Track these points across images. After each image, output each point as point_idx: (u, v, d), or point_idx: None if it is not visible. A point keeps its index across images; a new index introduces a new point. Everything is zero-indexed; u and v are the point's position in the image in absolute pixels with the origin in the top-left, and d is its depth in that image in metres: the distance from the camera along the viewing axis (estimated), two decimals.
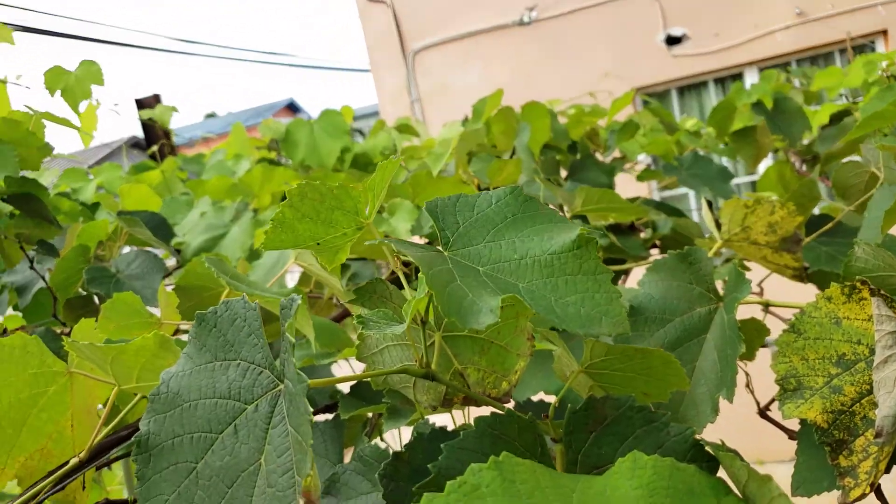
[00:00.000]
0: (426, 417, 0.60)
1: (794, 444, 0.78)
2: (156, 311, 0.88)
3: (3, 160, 1.12)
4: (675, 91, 5.37)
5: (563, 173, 1.68)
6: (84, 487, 0.70)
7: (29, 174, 1.22)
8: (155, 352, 0.53)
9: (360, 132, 3.01)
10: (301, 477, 0.36)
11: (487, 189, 1.32)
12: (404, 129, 1.90)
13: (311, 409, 0.33)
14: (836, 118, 1.97)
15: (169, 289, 0.94)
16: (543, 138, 1.39)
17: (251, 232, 1.34)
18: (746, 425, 1.04)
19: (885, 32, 4.72)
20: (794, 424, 0.87)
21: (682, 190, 4.84)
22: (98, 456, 0.70)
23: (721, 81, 5.27)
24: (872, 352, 0.65)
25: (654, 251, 1.44)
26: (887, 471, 0.62)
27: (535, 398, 0.80)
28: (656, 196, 4.66)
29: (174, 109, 2.09)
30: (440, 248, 0.47)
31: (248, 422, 0.41)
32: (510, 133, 1.28)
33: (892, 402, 0.61)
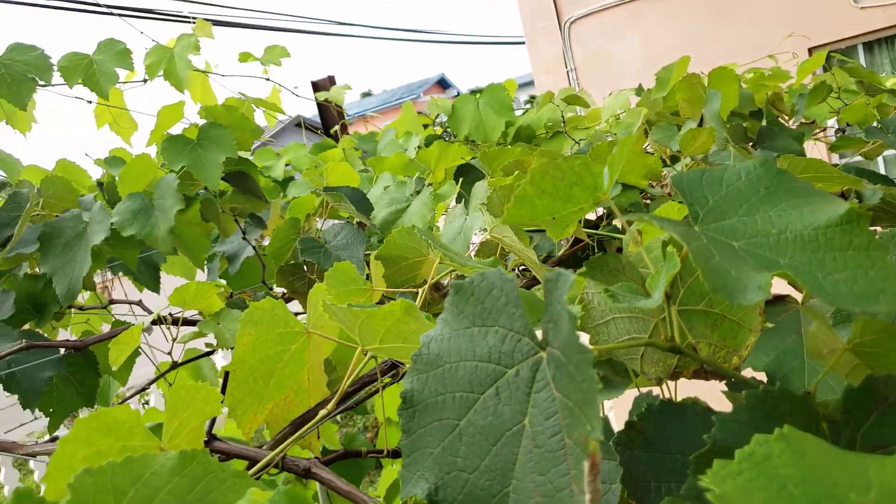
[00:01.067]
0: (650, 390, 0.61)
1: None
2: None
3: (224, 143, 1.25)
4: (861, 47, 4.82)
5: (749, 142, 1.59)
6: (318, 436, 0.78)
7: (242, 154, 1.36)
8: (400, 317, 0.57)
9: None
10: (573, 440, 0.38)
11: (675, 158, 1.29)
12: (572, 99, 1.88)
13: (597, 378, 0.35)
14: None
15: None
16: (731, 105, 1.32)
17: (431, 205, 1.39)
18: None
19: None
20: None
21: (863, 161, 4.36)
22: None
23: None
24: None
25: None
26: None
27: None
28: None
29: (348, 87, 2.21)
30: (690, 223, 0.46)
31: (510, 385, 0.44)
32: (696, 101, 1.23)
33: None
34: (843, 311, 0.57)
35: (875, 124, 1.60)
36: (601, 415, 0.35)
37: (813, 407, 0.39)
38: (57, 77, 1.64)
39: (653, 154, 1.22)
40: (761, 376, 0.82)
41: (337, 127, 2.14)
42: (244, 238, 1.35)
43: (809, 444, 0.34)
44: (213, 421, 0.68)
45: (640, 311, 0.55)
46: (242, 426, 0.73)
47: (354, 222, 1.33)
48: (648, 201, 1.21)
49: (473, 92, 2.00)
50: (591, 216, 1.54)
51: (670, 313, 0.47)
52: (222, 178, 1.33)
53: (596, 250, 1.15)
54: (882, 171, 4.39)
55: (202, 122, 1.31)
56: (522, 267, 1.19)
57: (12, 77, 1.53)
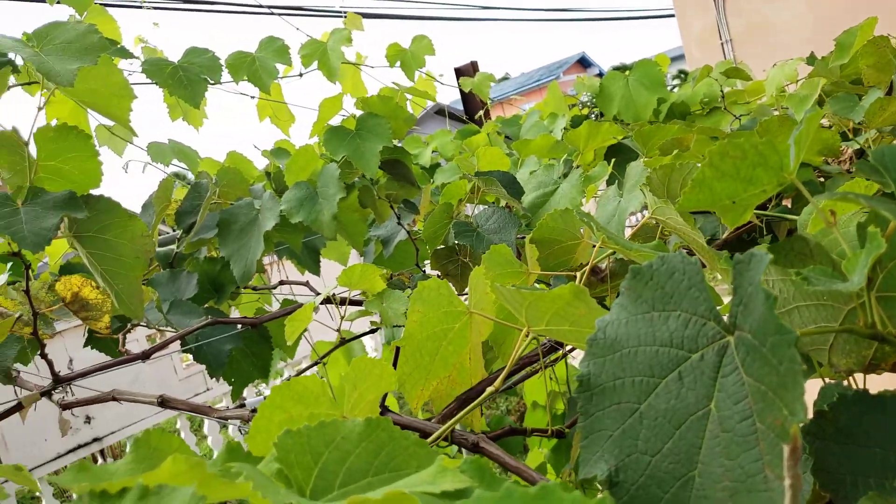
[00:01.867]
0: (836, 382, 0.57)
1: None
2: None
3: (380, 132, 1.32)
4: None
5: None
6: (482, 413, 0.81)
7: (395, 143, 1.42)
8: (569, 300, 0.58)
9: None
10: (766, 425, 0.38)
11: (857, 131, 1.18)
12: (732, 73, 1.77)
13: (800, 359, 0.34)
14: None
15: None
16: None
17: (581, 187, 1.38)
18: None
19: None
20: None
21: None
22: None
23: None
24: None
25: None
26: None
27: None
28: None
29: (492, 79, 2.23)
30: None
31: (694, 369, 0.43)
32: (883, 66, 1.11)
33: None
34: None
35: None
36: (803, 400, 0.34)
37: None
38: (223, 76, 1.79)
39: (829, 128, 1.13)
40: None
41: (481, 112, 2.17)
42: (398, 223, 1.41)
43: None
44: (386, 395, 0.73)
45: (830, 298, 0.52)
46: (411, 399, 0.78)
47: (503, 206, 1.35)
48: (822, 179, 1.12)
49: (621, 69, 1.94)
50: None
51: (870, 299, 0.44)
52: (378, 167, 1.40)
53: (764, 232, 1.08)
54: None
55: (359, 113, 1.38)
56: (685, 250, 1.15)
57: (188, 78, 1.70)
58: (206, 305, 1.46)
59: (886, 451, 0.46)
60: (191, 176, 1.98)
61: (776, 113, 1.40)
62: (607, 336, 0.48)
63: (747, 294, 0.40)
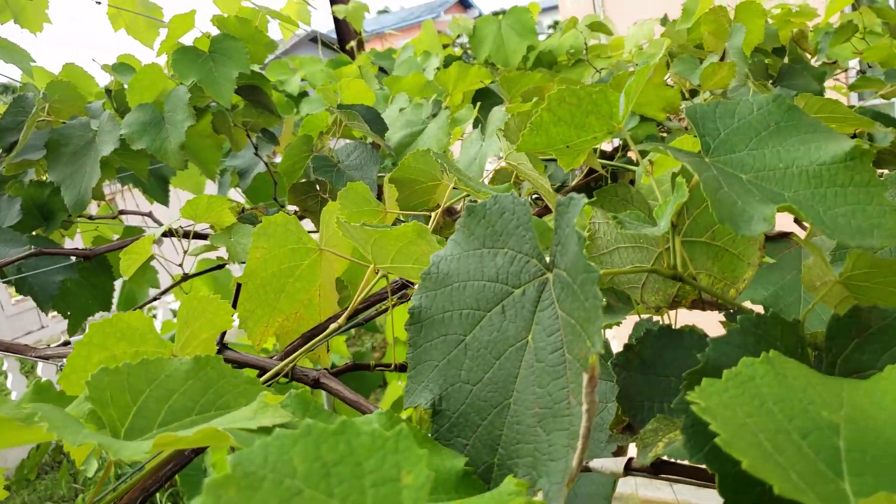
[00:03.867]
0: (650, 317, 0.63)
1: None
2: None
3: (236, 56, 1.24)
4: None
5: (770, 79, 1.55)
6: (328, 350, 0.81)
7: (255, 68, 1.35)
8: (412, 238, 0.59)
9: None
10: (574, 356, 0.41)
11: (694, 92, 1.27)
12: (595, 27, 1.83)
13: (601, 295, 0.37)
14: None
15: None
16: (756, 40, 1.29)
17: (448, 129, 1.39)
18: None
19: None
20: None
21: (878, 102, 4.25)
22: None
23: None
24: None
25: None
26: None
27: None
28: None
29: (366, 8, 2.16)
30: (700, 154, 0.47)
31: (516, 303, 0.46)
32: (720, 34, 1.20)
33: None
34: (844, 248, 0.59)
35: None
36: (602, 332, 0.37)
37: (800, 334, 0.41)
38: None
39: (673, 87, 1.20)
40: (760, 311, 0.84)
41: (353, 43, 2.10)
42: (256, 153, 1.35)
43: (791, 367, 0.36)
44: (224, 332, 0.71)
45: (645, 241, 0.56)
46: (253, 337, 0.76)
47: (368, 142, 1.33)
48: (665, 134, 1.20)
49: (497, 13, 1.95)
50: (607, 147, 1.53)
51: (674, 243, 0.49)
52: (234, 92, 1.32)
53: (609, 181, 1.15)
54: None
55: (215, 32, 1.29)
56: (536, 195, 1.20)
57: None
58: (33, 233, 1.33)
59: (679, 379, 0.51)
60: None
61: (632, 69, 1.48)
62: (440, 271, 0.50)
63: (565, 235, 0.42)
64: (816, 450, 0.33)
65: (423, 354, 0.49)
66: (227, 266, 1.11)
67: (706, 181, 0.42)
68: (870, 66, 1.87)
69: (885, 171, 1.23)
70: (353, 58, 2.11)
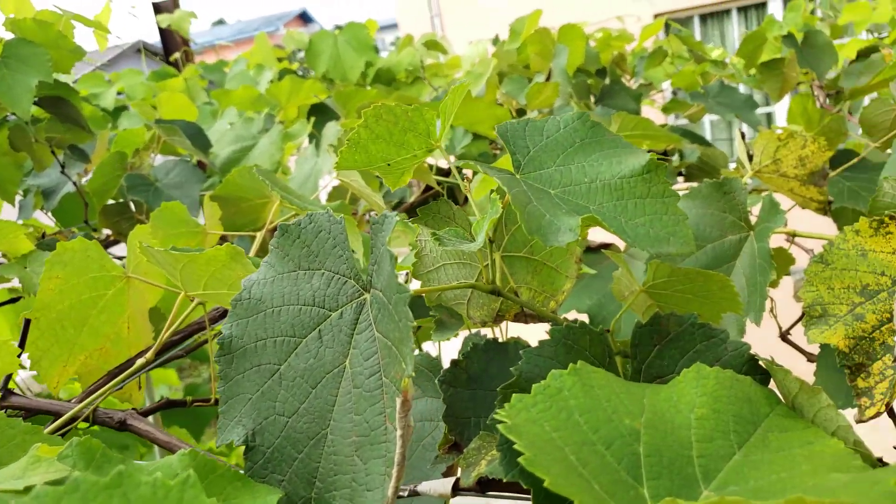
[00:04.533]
0: (478, 330, 0.63)
1: (810, 369, 0.82)
2: (199, 220, 0.90)
3: (36, 64, 1.11)
4: (697, 18, 5.20)
5: (592, 98, 1.67)
6: (140, 387, 0.74)
7: (61, 78, 1.21)
8: (225, 262, 0.55)
9: (375, 48, 2.94)
10: (391, 379, 0.39)
11: (522, 111, 1.32)
12: (431, 45, 1.87)
13: (412, 317, 0.35)
14: (864, 54, 1.93)
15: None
16: (578, 61, 1.37)
17: (280, 145, 1.34)
18: (767, 349, 1.08)
19: None
20: (812, 348, 0.91)
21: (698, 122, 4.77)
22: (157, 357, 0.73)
23: (744, 10, 5.09)
24: (894, 282, 0.68)
25: (680, 179, 1.45)
26: None
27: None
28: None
29: (193, 16, 2.04)
30: (512, 171, 0.48)
31: (333, 327, 0.43)
32: (545, 55, 1.26)
33: None
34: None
35: (700, 90, 1.75)
36: (415, 352, 0.36)
37: (608, 342, 0.42)
38: None
39: (503, 106, 1.25)
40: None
41: (178, 54, 1.98)
42: (63, 172, 1.22)
43: (598, 377, 0.37)
44: (10, 376, 0.62)
45: (469, 257, 0.56)
46: (49, 379, 0.67)
47: (194, 160, 1.25)
48: (497, 152, 1.24)
49: (339, 28, 1.92)
50: (445, 164, 1.55)
51: (491, 258, 0.49)
52: (36, 104, 1.18)
53: (447, 197, 1.16)
54: (708, 134, 4.82)
55: (9, 36, 1.15)
56: (374, 212, 1.18)
57: None
58: None
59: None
60: None
61: None
62: (252, 296, 0.46)
63: (380, 254, 0.41)
64: (618, 458, 0.33)
65: (235, 387, 0.45)
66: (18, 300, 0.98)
67: (515, 196, 0.42)
68: (680, 89, 2.06)
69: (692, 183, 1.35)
70: (179, 70, 1.99)
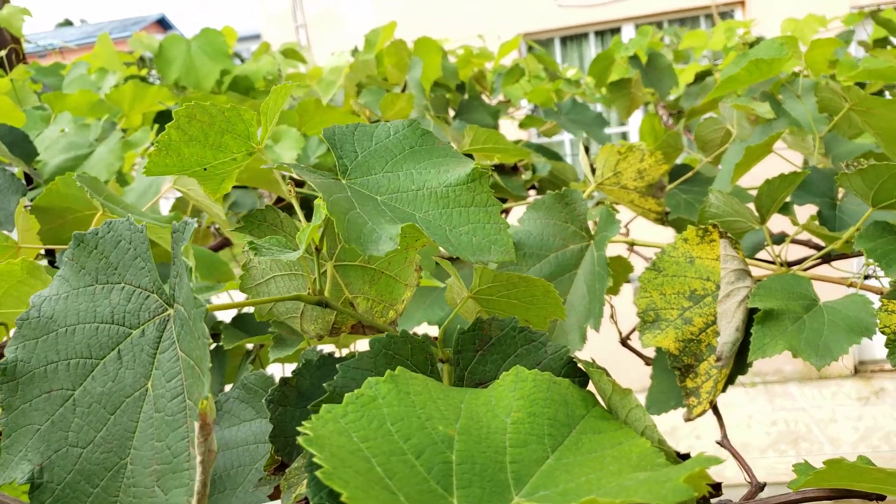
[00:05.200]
0: (314, 345, 0.61)
1: (648, 373, 0.87)
2: (13, 235, 0.80)
3: None
4: (558, 40, 5.49)
5: (452, 112, 1.69)
6: None
7: None
8: (21, 278, 0.49)
9: (240, 57, 2.84)
10: (194, 401, 0.36)
11: (378, 121, 1.31)
12: (290, 54, 1.82)
13: (209, 334, 0.33)
14: (700, 77, 2.12)
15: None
16: (434, 75, 1.39)
17: (120, 153, 1.24)
18: (609, 354, 1.13)
19: (742, 3, 5.07)
20: (650, 353, 0.96)
21: (557, 139, 5.02)
22: None
23: (601, 34, 5.45)
24: (718, 287, 0.74)
25: (532, 192, 1.50)
26: (723, 390, 0.71)
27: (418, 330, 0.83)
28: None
29: (26, 12, 1.86)
30: (338, 176, 0.46)
31: (134, 347, 0.40)
32: (402, 67, 1.26)
33: (730, 329, 0.69)
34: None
35: (553, 107, 1.83)
36: (210, 368, 0.33)
37: (430, 350, 0.41)
38: None
39: (359, 116, 1.23)
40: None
41: (3, 52, 1.79)
42: None
43: (416, 383, 0.36)
44: None
45: (299, 267, 0.54)
46: None
47: (8, 168, 1.12)
48: None
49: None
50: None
51: (318, 268, 0.47)
52: None
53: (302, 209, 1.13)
54: (568, 149, 5.08)
55: None
56: (218, 225, 1.12)
57: None
58: None
59: None
60: None
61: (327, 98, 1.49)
62: (42, 314, 0.41)
63: (179, 264, 0.37)
64: (429, 467, 0.32)
65: (21, 417, 0.40)
66: None
67: (334, 203, 0.40)
68: (537, 106, 2.15)
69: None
70: (7, 70, 1.80)
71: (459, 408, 0.36)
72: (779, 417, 5.09)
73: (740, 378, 0.73)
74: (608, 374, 0.42)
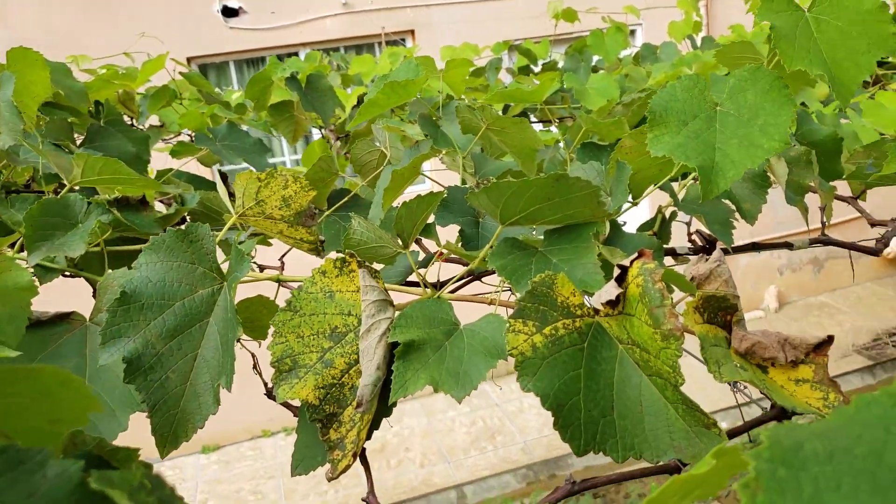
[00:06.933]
0: None
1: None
2: None
3: None
4: (233, 64, 5.27)
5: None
6: None
7: None
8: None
9: None
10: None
11: None
12: None
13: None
14: (362, 100, 2.14)
15: None
16: (42, 93, 1.14)
17: None
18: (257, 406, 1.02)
19: (412, 32, 5.47)
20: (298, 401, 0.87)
21: (243, 165, 4.80)
22: None
23: (280, 59, 5.38)
24: (360, 321, 0.67)
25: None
26: (368, 437, 0.64)
27: None
28: (215, 171, 4.51)
29: None
30: None
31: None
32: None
33: (371, 368, 0.63)
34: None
35: (207, 133, 1.66)
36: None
37: None
38: None
39: None
40: None
41: None
42: None
43: None
44: None
45: None
46: None
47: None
48: None
49: None
50: None
51: None
52: None
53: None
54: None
55: None
56: None
57: None
58: None
59: None
60: None
61: None
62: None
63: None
64: None
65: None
66: None
67: None
68: (192, 133, 1.95)
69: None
70: None
71: None
72: (477, 416, 5.54)
73: None
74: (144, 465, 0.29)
